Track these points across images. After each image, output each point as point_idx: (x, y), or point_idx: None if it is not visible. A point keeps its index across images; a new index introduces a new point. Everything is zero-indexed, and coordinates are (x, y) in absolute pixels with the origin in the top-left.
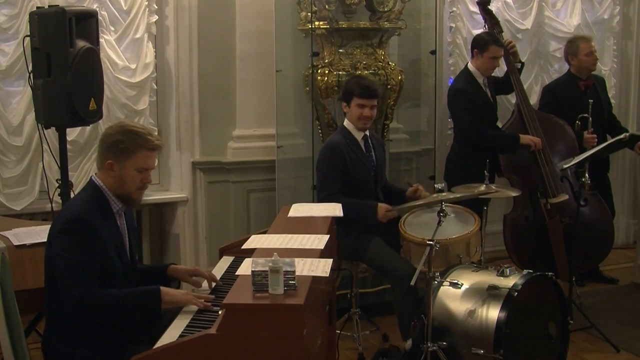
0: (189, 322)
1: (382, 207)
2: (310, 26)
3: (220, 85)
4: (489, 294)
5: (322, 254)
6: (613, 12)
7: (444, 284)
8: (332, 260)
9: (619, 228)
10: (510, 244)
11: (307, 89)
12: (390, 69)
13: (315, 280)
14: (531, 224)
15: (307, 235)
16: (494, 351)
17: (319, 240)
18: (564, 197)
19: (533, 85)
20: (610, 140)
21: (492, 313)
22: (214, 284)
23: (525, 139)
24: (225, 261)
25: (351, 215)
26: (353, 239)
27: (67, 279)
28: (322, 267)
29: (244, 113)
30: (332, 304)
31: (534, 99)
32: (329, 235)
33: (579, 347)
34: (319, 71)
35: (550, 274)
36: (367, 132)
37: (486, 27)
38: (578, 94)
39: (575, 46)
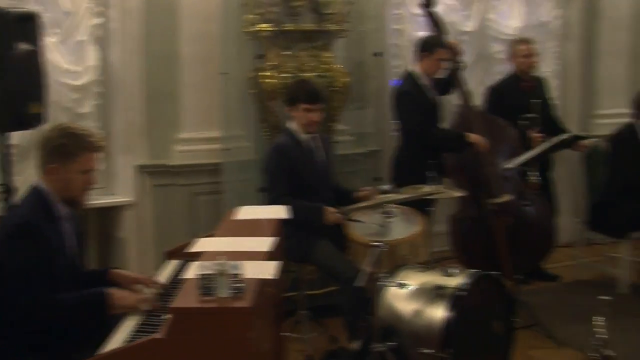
0: (136, 327)
1: (329, 209)
2: (255, 28)
3: (166, 88)
4: (436, 294)
5: (270, 256)
6: (554, 15)
7: (390, 285)
8: (279, 262)
9: (562, 227)
10: (456, 244)
11: (253, 91)
12: (336, 71)
13: (263, 282)
14: (476, 224)
15: (254, 238)
16: (442, 350)
17: (266, 243)
18: (508, 197)
19: (476, 87)
20: (554, 140)
21: (439, 313)
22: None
23: (471, 136)
24: (172, 265)
25: (299, 217)
26: (300, 241)
27: (14, 286)
28: (270, 270)
29: (189, 116)
30: (280, 307)
31: (477, 100)
32: (276, 238)
33: (525, 344)
34: (265, 74)
35: (495, 273)
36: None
37: (430, 29)
38: (521, 95)
39: (514, 48)
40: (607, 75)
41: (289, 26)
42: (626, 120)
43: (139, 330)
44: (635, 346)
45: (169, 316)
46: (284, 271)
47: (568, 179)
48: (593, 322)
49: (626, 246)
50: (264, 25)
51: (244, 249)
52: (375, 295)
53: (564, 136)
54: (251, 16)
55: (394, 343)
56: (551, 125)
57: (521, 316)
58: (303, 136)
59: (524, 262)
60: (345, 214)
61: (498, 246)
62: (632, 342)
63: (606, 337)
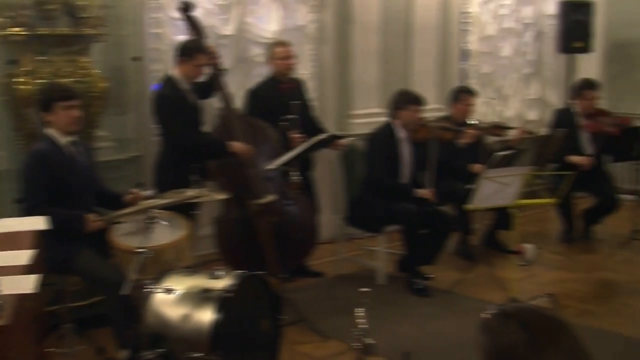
0: None
1: (90, 217)
2: (6, 32)
3: None
4: (203, 297)
5: (28, 269)
6: (309, 19)
7: (157, 290)
8: (39, 275)
9: (324, 224)
10: (221, 246)
11: (5, 98)
12: (94, 76)
13: (22, 297)
14: (240, 225)
15: (11, 252)
16: (211, 353)
17: (24, 256)
18: (271, 197)
19: (237, 90)
20: (313, 140)
21: (207, 316)
22: None
23: (233, 146)
24: None
25: (59, 226)
26: (62, 251)
27: None
28: (29, 284)
29: None
30: (42, 321)
31: (238, 103)
32: (34, 250)
33: (292, 340)
34: (18, 80)
35: (261, 272)
36: (74, 138)
37: (190, 33)
38: (280, 97)
39: (272, 51)
40: (360, 77)
41: (43, 30)
42: (380, 119)
43: None
44: (393, 332)
45: None
46: (44, 284)
47: (328, 177)
48: (355, 314)
49: (382, 239)
50: (15, 29)
51: (1, 263)
52: (142, 302)
53: (323, 136)
54: (1, 19)
55: (163, 349)
56: (310, 126)
57: (287, 313)
58: (63, 141)
59: (289, 260)
60: (108, 220)
61: (263, 246)
62: (390, 329)
63: (367, 326)
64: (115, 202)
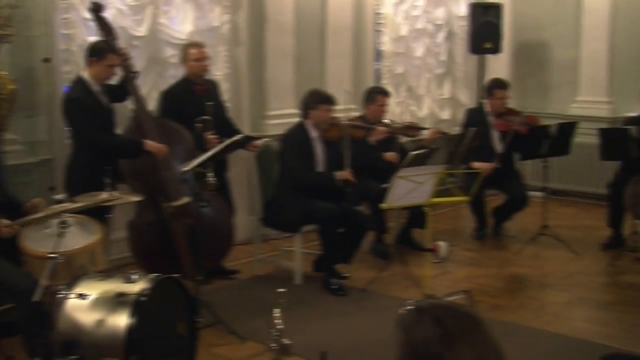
0: None
1: (2, 222)
2: None
3: None
4: (117, 301)
5: None
6: (223, 20)
7: (70, 296)
8: None
9: (240, 225)
10: (136, 250)
11: None
12: (2, 78)
13: None
14: (155, 228)
15: None
16: (126, 358)
17: None
18: (185, 199)
19: (150, 91)
20: (227, 142)
21: (121, 320)
22: None
23: (148, 144)
24: None
25: None
26: None
27: None
28: None
29: None
30: None
31: (151, 105)
32: None
33: (208, 342)
34: None
35: (176, 275)
36: None
37: (101, 34)
38: (194, 98)
39: (185, 52)
40: (275, 77)
41: None
42: (295, 119)
43: None
44: (310, 332)
45: None
46: None
47: (243, 178)
48: (271, 314)
49: (298, 240)
50: None
51: None
52: (54, 308)
53: (237, 137)
54: None
55: (77, 356)
56: (225, 127)
57: (204, 315)
58: None
59: (205, 262)
60: (19, 225)
61: (178, 248)
62: (307, 329)
63: (283, 327)
64: (15, 210)
